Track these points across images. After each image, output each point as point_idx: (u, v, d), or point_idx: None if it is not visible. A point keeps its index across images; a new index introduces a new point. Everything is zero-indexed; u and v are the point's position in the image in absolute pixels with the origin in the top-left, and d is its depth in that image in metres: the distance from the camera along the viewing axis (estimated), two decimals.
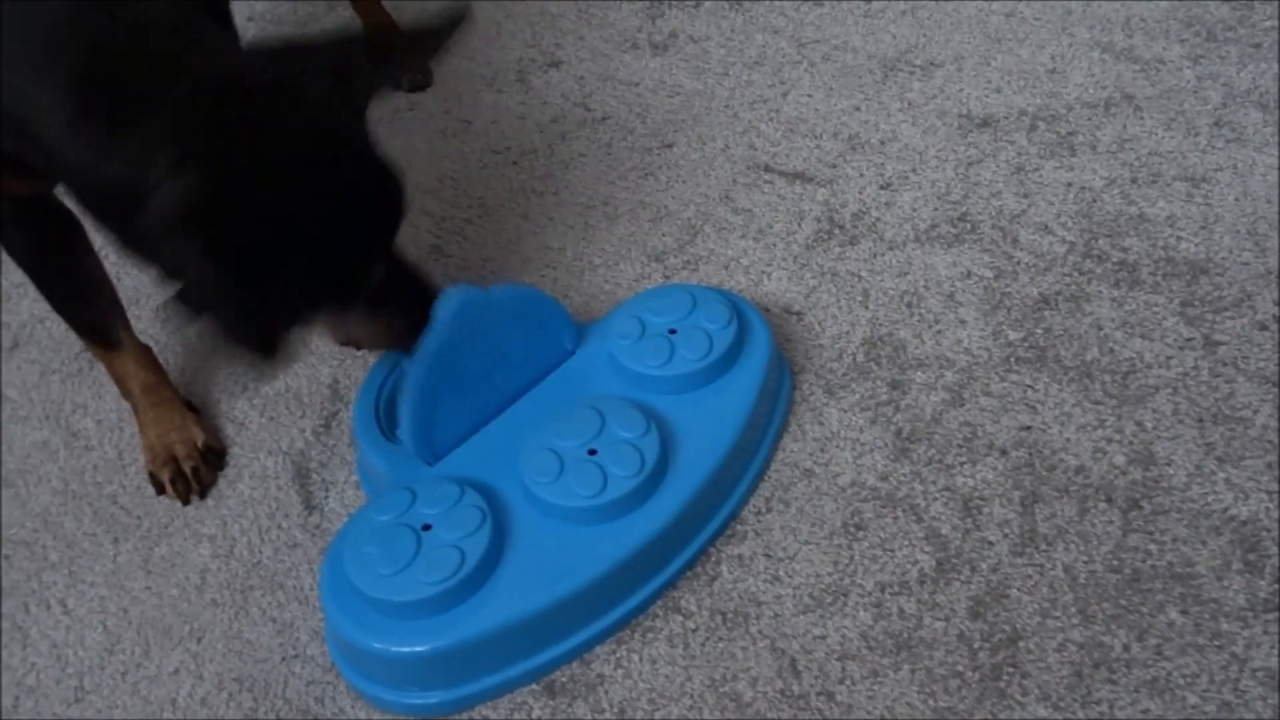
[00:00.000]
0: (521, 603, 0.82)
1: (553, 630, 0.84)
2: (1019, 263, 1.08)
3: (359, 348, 0.99)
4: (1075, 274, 1.06)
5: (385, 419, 0.95)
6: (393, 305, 0.85)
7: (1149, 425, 0.94)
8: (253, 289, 0.71)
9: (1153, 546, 0.86)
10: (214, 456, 1.00)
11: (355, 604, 0.82)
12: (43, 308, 1.19)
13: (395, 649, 0.81)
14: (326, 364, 1.09)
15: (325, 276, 0.76)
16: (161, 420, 1.00)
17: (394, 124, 1.34)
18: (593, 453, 0.87)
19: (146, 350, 1.02)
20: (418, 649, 0.81)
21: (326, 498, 0.98)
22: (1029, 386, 0.98)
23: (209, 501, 0.98)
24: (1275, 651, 0.79)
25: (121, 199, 0.70)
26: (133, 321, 1.04)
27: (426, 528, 0.84)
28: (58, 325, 1.17)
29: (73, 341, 1.14)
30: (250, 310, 0.72)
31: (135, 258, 0.76)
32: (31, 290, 1.02)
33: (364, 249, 0.79)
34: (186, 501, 0.97)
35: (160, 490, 0.98)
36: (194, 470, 0.98)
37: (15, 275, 1.11)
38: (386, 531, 0.83)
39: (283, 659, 0.87)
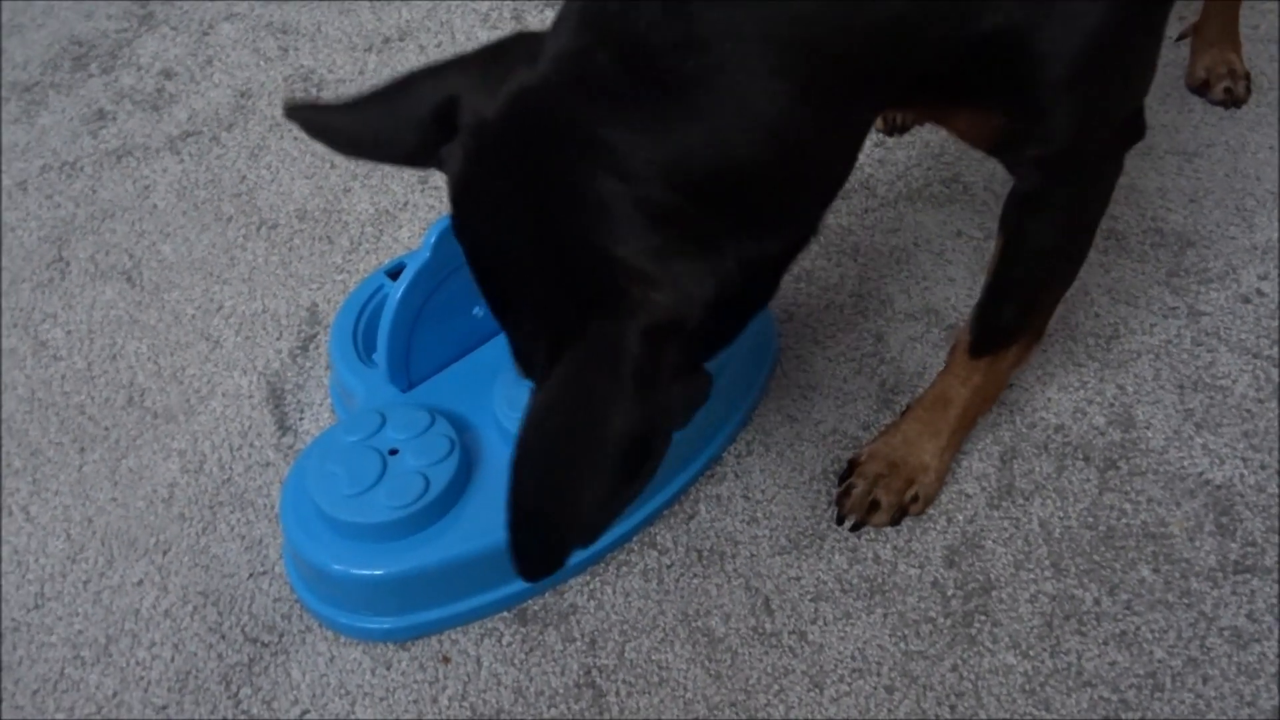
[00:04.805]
0: (481, 535, 0.80)
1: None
2: None
3: None
4: None
5: (363, 342, 0.94)
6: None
7: (1130, 389, 0.94)
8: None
9: (1128, 505, 0.86)
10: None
11: (314, 522, 0.80)
12: (13, 216, 1.15)
13: (351, 571, 0.79)
14: (306, 287, 1.07)
15: None
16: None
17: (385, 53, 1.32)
18: None
19: None
20: (372, 572, 0.79)
21: (301, 419, 0.96)
22: None
23: (179, 416, 0.96)
24: (1242, 611, 0.80)
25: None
26: None
27: (394, 452, 0.82)
28: (28, 233, 1.14)
29: (44, 250, 1.11)
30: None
31: None
32: None
33: None
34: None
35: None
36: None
37: None
38: (353, 452, 0.82)
39: (250, 575, 0.85)
